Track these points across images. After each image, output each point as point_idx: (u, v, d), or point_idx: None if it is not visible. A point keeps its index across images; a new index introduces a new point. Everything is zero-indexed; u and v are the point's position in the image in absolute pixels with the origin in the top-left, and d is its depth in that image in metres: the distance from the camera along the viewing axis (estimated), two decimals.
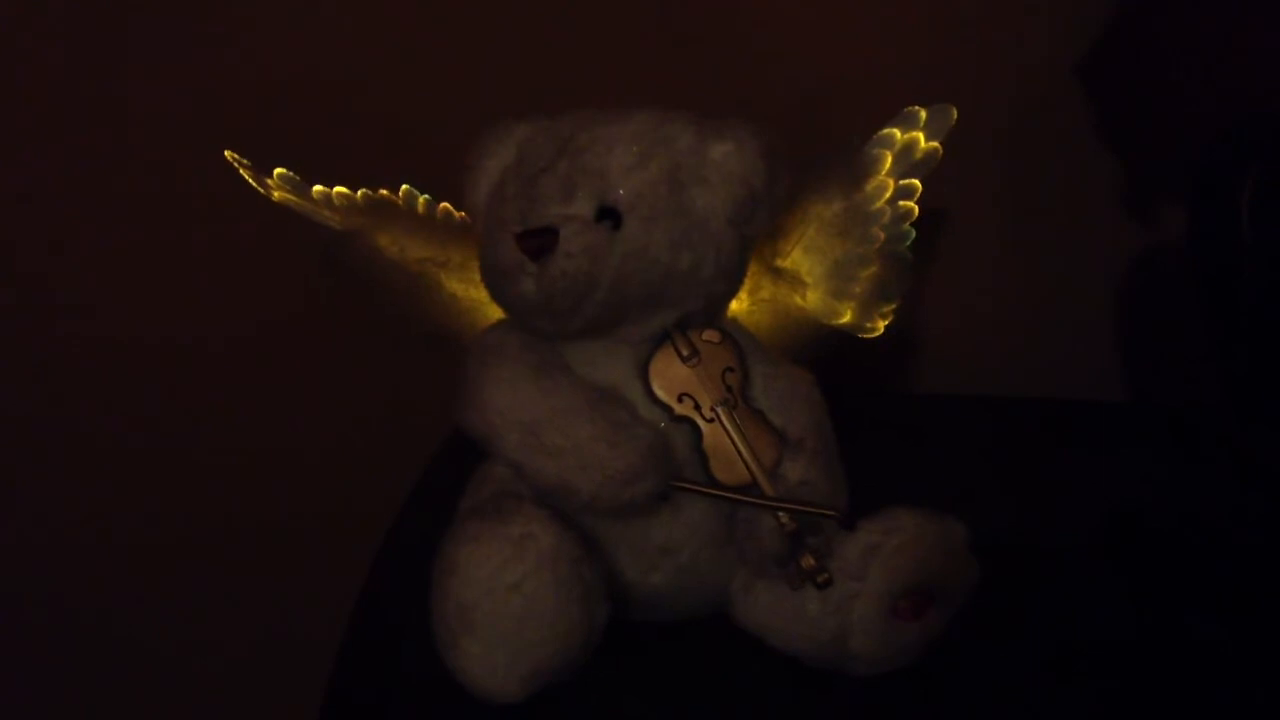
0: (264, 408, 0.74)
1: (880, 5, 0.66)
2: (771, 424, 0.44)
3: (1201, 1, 0.64)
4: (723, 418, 0.43)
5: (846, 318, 0.50)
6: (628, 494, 0.41)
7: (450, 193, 0.49)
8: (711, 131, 0.44)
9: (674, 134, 0.43)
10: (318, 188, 0.49)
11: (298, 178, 0.50)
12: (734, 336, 0.46)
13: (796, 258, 0.49)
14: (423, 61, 0.66)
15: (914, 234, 0.49)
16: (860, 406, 0.48)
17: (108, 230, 0.69)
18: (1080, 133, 0.66)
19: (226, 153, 0.50)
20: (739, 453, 0.43)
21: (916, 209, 0.49)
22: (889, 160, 0.48)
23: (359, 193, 0.49)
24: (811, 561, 0.42)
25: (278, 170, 0.49)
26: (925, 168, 0.49)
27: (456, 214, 0.50)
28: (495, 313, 0.47)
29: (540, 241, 0.41)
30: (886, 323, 0.50)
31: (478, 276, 0.46)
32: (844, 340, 0.51)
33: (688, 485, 0.43)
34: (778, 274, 0.49)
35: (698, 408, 0.43)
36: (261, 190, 0.50)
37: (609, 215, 0.42)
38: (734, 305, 0.48)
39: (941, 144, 0.49)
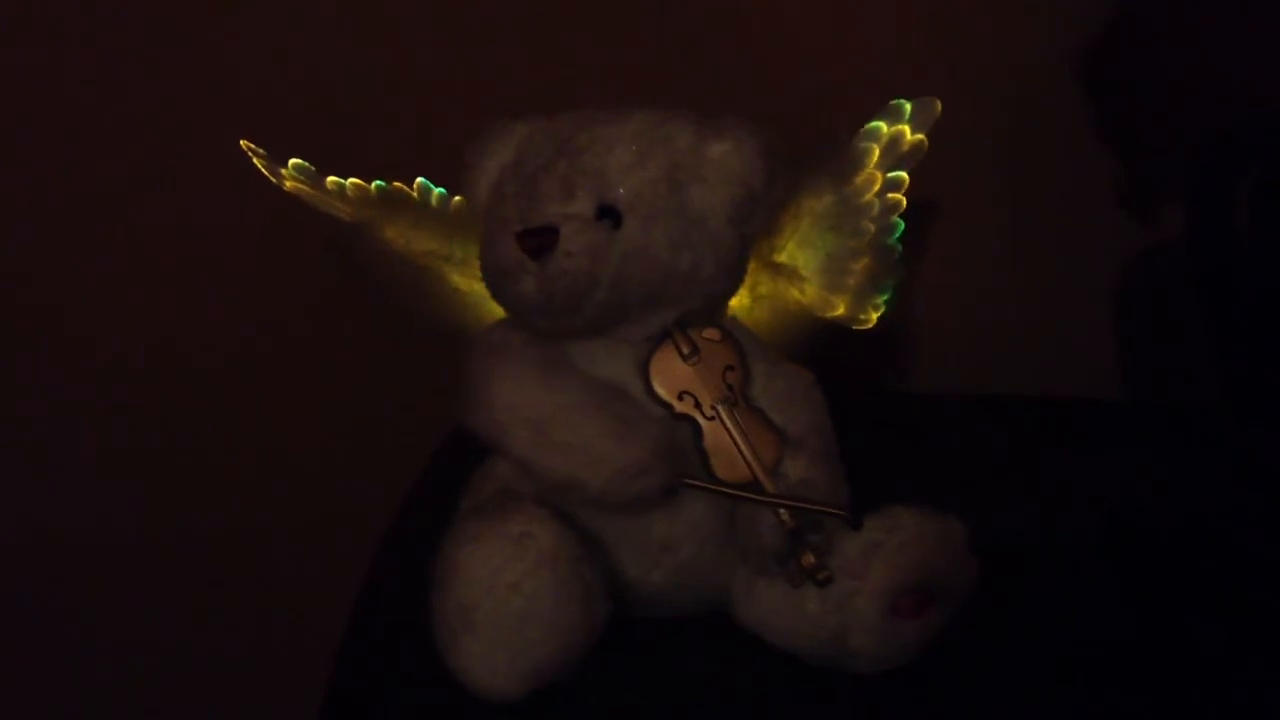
0: (264, 408, 0.74)
1: (880, 5, 0.66)
2: (772, 422, 0.44)
3: (1201, 1, 0.64)
4: (723, 416, 0.43)
5: (840, 310, 0.50)
6: (636, 488, 0.41)
7: (450, 191, 0.50)
8: (710, 131, 0.44)
9: (673, 133, 0.44)
10: (331, 179, 0.49)
11: (313, 168, 0.50)
12: (734, 335, 0.46)
13: (791, 252, 0.50)
14: (422, 61, 0.66)
15: (903, 226, 0.50)
16: (860, 406, 0.48)
17: (108, 230, 0.69)
18: (1080, 133, 0.66)
19: (242, 142, 0.51)
20: (740, 451, 0.43)
21: (904, 201, 0.49)
22: (876, 154, 0.49)
23: (373, 185, 0.49)
24: (812, 559, 0.42)
25: (293, 161, 0.50)
26: (912, 160, 0.49)
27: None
28: (499, 308, 0.47)
29: (540, 240, 0.41)
30: (879, 314, 0.50)
31: None
32: (838, 333, 0.51)
33: (696, 482, 0.43)
34: (776, 269, 0.50)
35: (698, 406, 0.44)
36: (274, 180, 0.50)
37: (609, 214, 0.42)
38: (734, 302, 0.48)
39: (927, 136, 0.49)
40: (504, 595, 0.39)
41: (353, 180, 0.49)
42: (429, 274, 0.50)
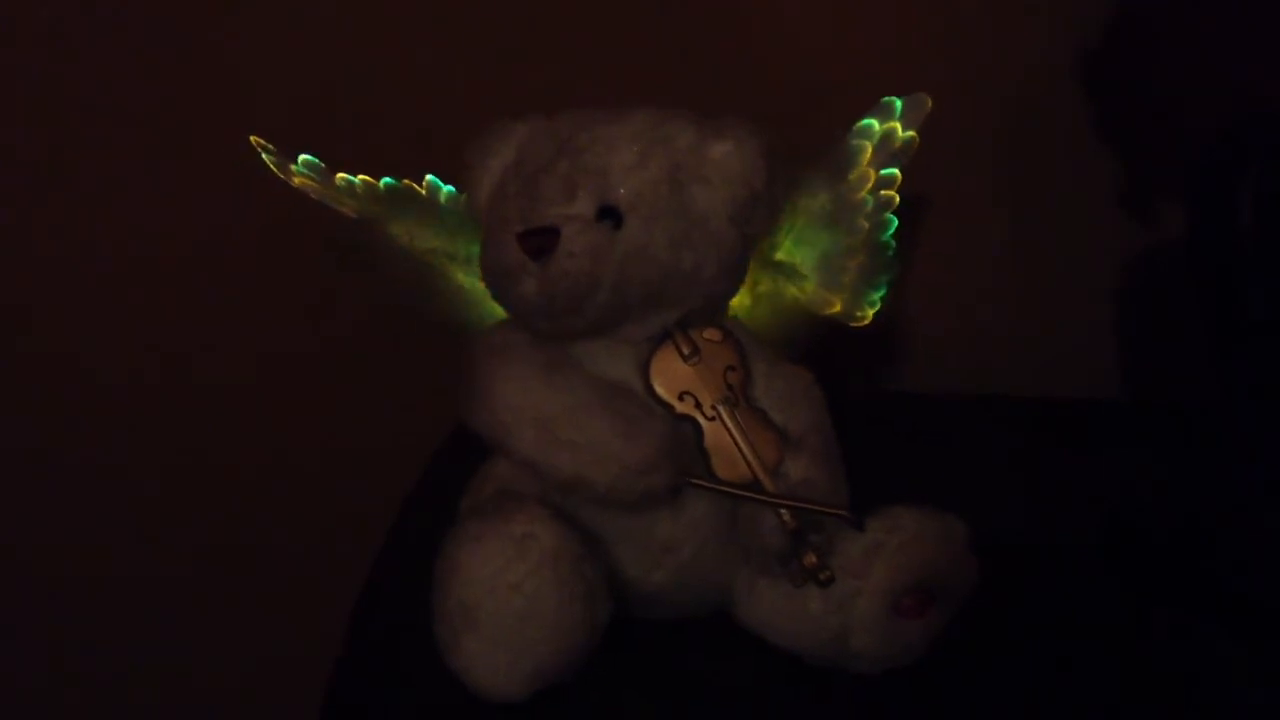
0: (264, 408, 0.74)
1: (880, 5, 0.66)
2: (773, 422, 0.44)
3: (1201, 1, 0.64)
4: (724, 416, 0.43)
5: (837, 307, 0.50)
6: (643, 485, 0.41)
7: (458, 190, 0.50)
8: (711, 131, 0.44)
9: (674, 133, 0.44)
10: (340, 175, 0.50)
11: (322, 165, 0.50)
12: (735, 335, 0.46)
13: (788, 249, 0.50)
14: (422, 61, 0.66)
15: (896, 222, 0.50)
16: (860, 406, 0.48)
17: (107, 230, 0.69)
18: (1080, 133, 0.66)
19: (252, 138, 0.51)
20: (740, 451, 0.43)
21: (898, 198, 0.49)
22: (869, 151, 0.49)
23: (381, 182, 0.49)
24: (814, 559, 0.42)
25: (303, 157, 0.50)
26: (904, 157, 0.49)
27: None
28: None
29: (541, 241, 0.41)
30: (874, 311, 0.51)
31: None
32: (837, 333, 0.51)
33: (701, 482, 0.43)
34: (775, 268, 0.50)
35: (699, 406, 0.43)
36: (281, 175, 0.50)
37: (610, 215, 0.42)
38: (734, 301, 0.48)
39: (919, 132, 0.49)
40: (506, 595, 0.39)
41: (362, 177, 0.49)
42: (434, 271, 0.50)
